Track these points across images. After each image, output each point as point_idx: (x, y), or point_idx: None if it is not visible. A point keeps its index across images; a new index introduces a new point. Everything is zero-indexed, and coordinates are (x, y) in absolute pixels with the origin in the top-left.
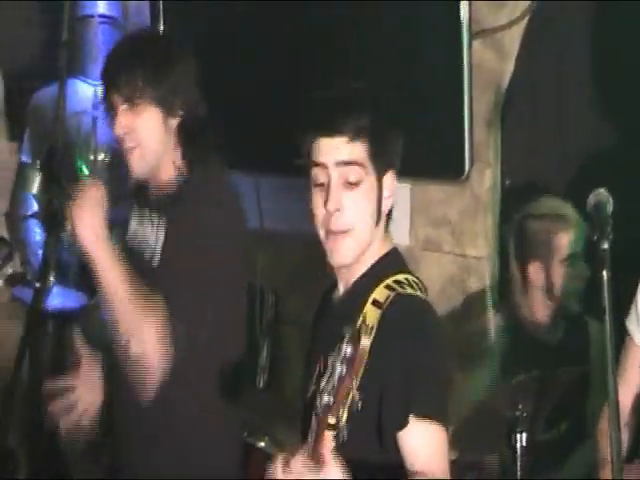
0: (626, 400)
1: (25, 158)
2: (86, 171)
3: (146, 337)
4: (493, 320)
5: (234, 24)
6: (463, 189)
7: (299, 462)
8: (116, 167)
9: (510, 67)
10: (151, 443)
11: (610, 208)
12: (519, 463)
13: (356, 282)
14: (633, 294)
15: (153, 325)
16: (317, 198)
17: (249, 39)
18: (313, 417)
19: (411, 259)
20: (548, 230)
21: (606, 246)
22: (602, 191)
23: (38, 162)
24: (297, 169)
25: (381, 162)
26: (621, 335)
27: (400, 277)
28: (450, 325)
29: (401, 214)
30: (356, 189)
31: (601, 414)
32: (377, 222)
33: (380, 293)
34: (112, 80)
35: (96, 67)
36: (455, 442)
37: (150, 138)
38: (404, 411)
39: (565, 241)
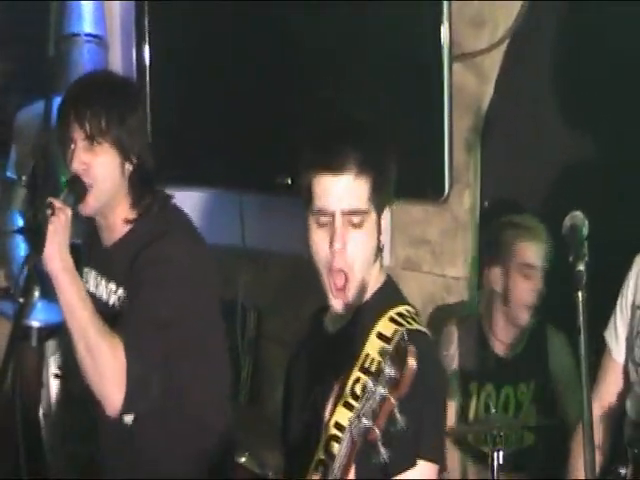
0: (597, 414)
1: (10, 174)
2: None
3: (104, 362)
4: (454, 334)
5: (219, 43)
6: (443, 210)
7: None
8: None
9: (490, 90)
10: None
11: (586, 231)
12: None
13: (357, 313)
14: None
15: (111, 352)
16: (320, 237)
17: (233, 58)
18: (345, 440)
19: None
20: (512, 237)
21: (581, 267)
22: (578, 213)
23: (23, 178)
24: (280, 187)
25: (382, 199)
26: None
27: (401, 309)
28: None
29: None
30: (360, 229)
31: (574, 434)
32: (376, 258)
33: (385, 327)
34: (75, 114)
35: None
36: None
37: (106, 178)
38: (413, 454)
39: (525, 250)
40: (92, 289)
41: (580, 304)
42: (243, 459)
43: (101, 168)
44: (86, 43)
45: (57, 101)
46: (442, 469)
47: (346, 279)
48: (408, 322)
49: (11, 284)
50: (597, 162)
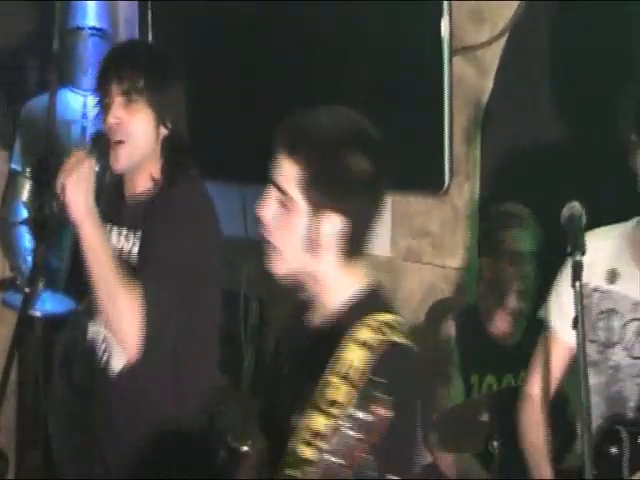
0: (543, 394)
1: (15, 166)
2: None
3: (123, 307)
4: (452, 325)
5: (222, 37)
6: (443, 201)
7: None
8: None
9: (490, 83)
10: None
11: (584, 221)
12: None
13: (335, 314)
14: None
15: (130, 297)
16: None
17: (237, 51)
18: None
19: (392, 270)
20: (499, 224)
21: (579, 258)
22: (576, 204)
23: (28, 170)
24: None
25: (317, 195)
26: None
27: (384, 317)
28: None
29: (382, 225)
30: (285, 211)
31: (521, 406)
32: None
33: (367, 334)
34: (116, 70)
35: (86, 78)
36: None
37: (141, 136)
38: (383, 472)
39: (510, 237)
40: (115, 243)
41: (578, 294)
42: (246, 447)
43: (135, 125)
44: (90, 37)
45: (62, 94)
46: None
47: (273, 249)
48: (393, 332)
49: (16, 275)
50: (597, 153)
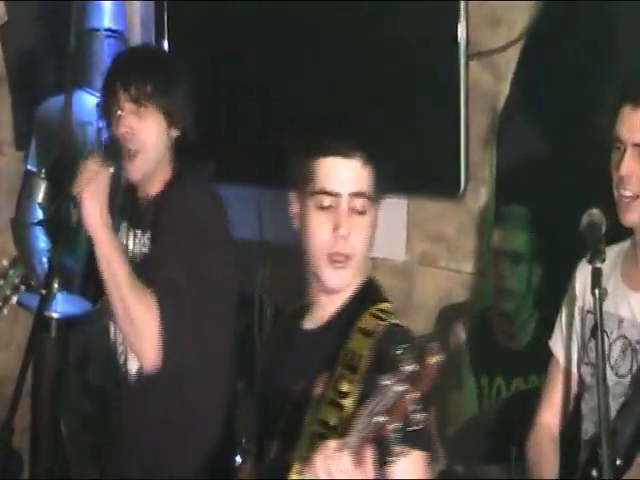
0: (551, 422)
1: (31, 167)
2: None
3: (138, 317)
4: (464, 328)
5: (239, 39)
6: (459, 205)
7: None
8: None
9: (506, 88)
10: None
11: (603, 228)
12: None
13: (340, 310)
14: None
15: (145, 307)
16: (321, 221)
17: (253, 53)
18: (354, 436)
19: (407, 274)
20: (499, 226)
21: (599, 265)
22: (595, 211)
23: (44, 171)
24: None
25: (380, 190)
26: None
27: (382, 306)
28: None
29: (398, 229)
30: (363, 217)
31: (530, 436)
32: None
33: (368, 322)
34: (122, 80)
35: (101, 79)
36: (447, 452)
37: (154, 143)
38: (402, 444)
39: (498, 235)
40: (129, 245)
41: (597, 302)
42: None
43: (147, 133)
44: (106, 38)
45: (78, 95)
46: (432, 457)
47: (347, 259)
48: (390, 318)
49: (32, 276)
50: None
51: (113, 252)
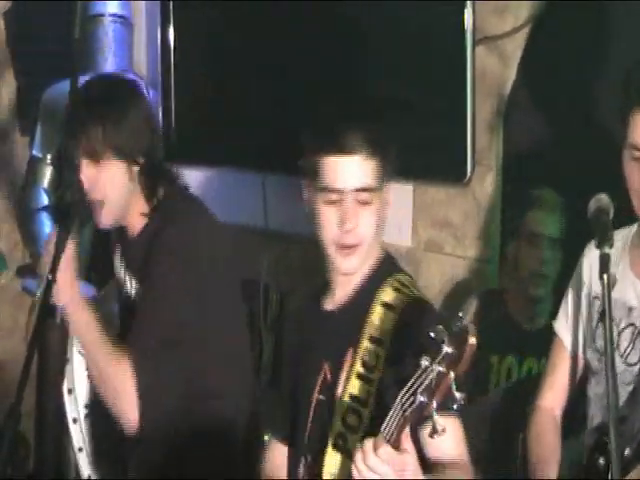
0: (553, 405)
1: (36, 152)
2: None
3: (115, 383)
4: (473, 305)
5: (243, 24)
6: (465, 191)
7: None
8: None
9: (512, 73)
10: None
11: (611, 213)
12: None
13: (359, 286)
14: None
15: (121, 373)
16: (329, 215)
17: (258, 38)
18: (395, 414)
19: (413, 260)
20: (523, 207)
21: (607, 250)
22: (603, 196)
23: (49, 156)
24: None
25: (386, 177)
26: None
27: (402, 278)
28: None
29: (403, 215)
30: (368, 207)
31: (531, 419)
32: (381, 234)
33: (389, 295)
34: (72, 136)
35: (107, 65)
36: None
37: (115, 191)
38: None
39: (532, 218)
40: (122, 281)
41: (605, 287)
42: (266, 437)
43: (107, 182)
44: (111, 23)
45: (83, 80)
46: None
47: (355, 248)
48: (411, 291)
49: (36, 262)
50: (618, 145)
51: (84, 327)
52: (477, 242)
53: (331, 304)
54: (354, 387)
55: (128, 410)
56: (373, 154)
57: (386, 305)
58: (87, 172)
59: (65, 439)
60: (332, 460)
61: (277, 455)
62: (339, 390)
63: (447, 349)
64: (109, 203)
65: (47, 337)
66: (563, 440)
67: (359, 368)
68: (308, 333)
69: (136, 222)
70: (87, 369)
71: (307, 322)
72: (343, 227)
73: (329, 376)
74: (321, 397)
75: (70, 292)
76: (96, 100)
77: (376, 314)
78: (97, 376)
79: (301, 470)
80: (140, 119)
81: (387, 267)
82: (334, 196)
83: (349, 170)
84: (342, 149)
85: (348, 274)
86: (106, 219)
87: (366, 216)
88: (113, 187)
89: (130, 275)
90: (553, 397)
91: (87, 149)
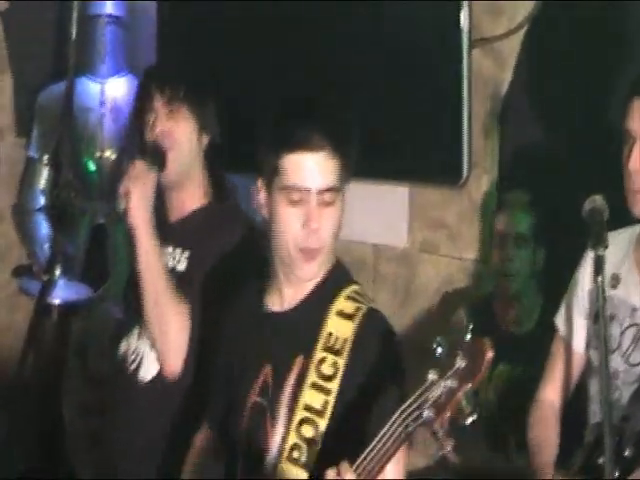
0: (554, 398)
1: (33, 153)
2: (92, 167)
3: (169, 321)
4: (464, 313)
5: (240, 24)
6: (460, 193)
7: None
8: (121, 164)
9: (508, 75)
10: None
11: (606, 215)
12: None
13: (311, 291)
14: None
15: (177, 313)
16: (291, 216)
17: (254, 39)
18: (391, 430)
19: (408, 261)
20: (502, 211)
21: (601, 252)
22: (597, 197)
23: (45, 157)
24: None
25: (347, 176)
26: None
27: (355, 288)
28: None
29: (399, 216)
30: (331, 208)
31: (531, 419)
32: (337, 239)
33: (344, 305)
34: (157, 84)
35: (103, 65)
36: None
37: (186, 143)
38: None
39: (499, 219)
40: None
41: (600, 289)
42: None
43: (181, 132)
44: (108, 24)
45: (80, 81)
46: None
47: (317, 252)
48: (366, 300)
49: (33, 262)
50: (614, 148)
51: (154, 253)
52: (472, 243)
53: (278, 305)
54: (309, 397)
55: (175, 353)
56: (337, 153)
57: (343, 314)
58: (163, 122)
59: (61, 438)
60: (286, 474)
61: (202, 438)
62: (285, 397)
63: (461, 363)
64: (176, 152)
65: (44, 336)
66: (563, 437)
67: (314, 378)
68: (248, 330)
69: (187, 206)
70: (143, 303)
71: (248, 320)
72: (308, 226)
73: (270, 380)
74: (259, 400)
75: (143, 215)
76: (186, 69)
77: (332, 323)
78: (153, 309)
79: (238, 470)
80: (215, 106)
81: (340, 275)
82: (297, 196)
83: (315, 168)
84: (307, 146)
85: (307, 280)
86: (171, 169)
87: (328, 218)
88: (183, 138)
89: (175, 248)
90: (554, 390)
91: (167, 99)
